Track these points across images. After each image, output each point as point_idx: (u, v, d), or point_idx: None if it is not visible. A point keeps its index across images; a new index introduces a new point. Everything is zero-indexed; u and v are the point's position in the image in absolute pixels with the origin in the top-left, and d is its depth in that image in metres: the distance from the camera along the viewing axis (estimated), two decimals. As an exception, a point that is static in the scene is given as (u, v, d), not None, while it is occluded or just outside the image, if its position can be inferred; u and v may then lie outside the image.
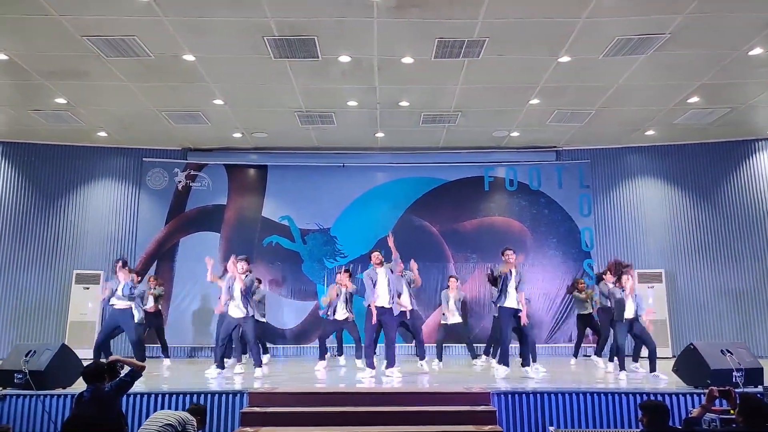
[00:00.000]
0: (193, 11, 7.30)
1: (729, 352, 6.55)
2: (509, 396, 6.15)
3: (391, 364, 7.78)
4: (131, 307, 8.76)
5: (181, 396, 6.28)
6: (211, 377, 7.76)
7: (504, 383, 7.07)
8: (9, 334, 11.52)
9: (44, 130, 11.62)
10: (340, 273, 9.72)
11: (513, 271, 7.97)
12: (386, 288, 7.90)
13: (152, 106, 10.40)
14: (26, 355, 6.68)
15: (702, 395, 6.01)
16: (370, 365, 7.85)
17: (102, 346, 8.71)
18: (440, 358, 9.56)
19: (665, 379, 7.33)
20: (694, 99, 10.15)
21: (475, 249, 12.48)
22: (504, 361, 7.79)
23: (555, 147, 12.89)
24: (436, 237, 12.74)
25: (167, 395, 6.30)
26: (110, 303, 8.59)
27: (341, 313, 9.35)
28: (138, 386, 6.89)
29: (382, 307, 7.86)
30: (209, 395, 6.26)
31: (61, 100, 10.08)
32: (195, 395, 6.27)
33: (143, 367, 4.95)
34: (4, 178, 12.15)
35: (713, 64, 8.80)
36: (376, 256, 8.12)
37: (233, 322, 8.10)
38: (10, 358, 6.93)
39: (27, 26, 7.59)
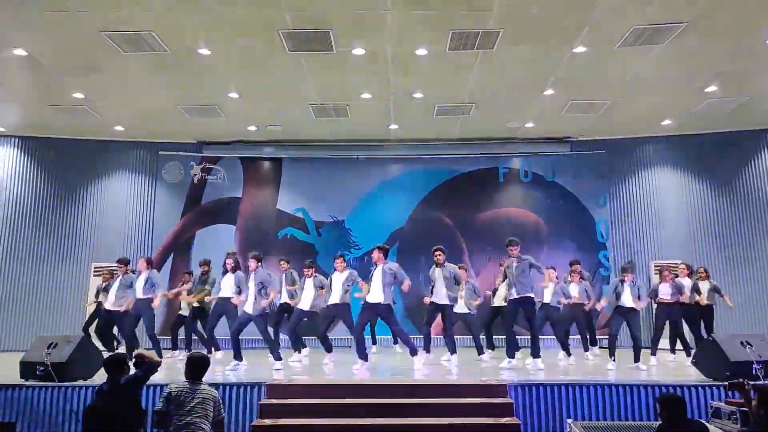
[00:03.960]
0: (209, 5, 7.33)
1: (748, 344, 6.49)
2: (526, 388, 6.15)
3: (413, 352, 7.90)
4: (152, 299, 8.89)
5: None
6: (228, 369, 7.88)
7: (521, 375, 7.07)
8: (28, 325, 11.73)
9: (62, 125, 11.76)
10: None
11: (513, 263, 8.06)
12: (379, 284, 7.92)
13: (168, 100, 10.48)
14: (48, 348, 6.78)
15: (722, 387, 5.99)
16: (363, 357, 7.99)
17: (134, 337, 8.89)
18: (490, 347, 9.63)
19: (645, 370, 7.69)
20: (712, 88, 10.04)
21: (490, 241, 12.43)
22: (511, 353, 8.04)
23: (570, 138, 12.81)
24: (450, 229, 12.74)
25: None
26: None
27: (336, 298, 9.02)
28: (156, 378, 7.00)
29: (372, 302, 7.91)
30: (228, 387, 6.32)
31: (78, 95, 10.19)
32: (213, 387, 6.32)
33: (159, 363, 4.94)
34: (23, 172, 12.33)
35: (731, 53, 8.70)
36: (375, 254, 8.12)
37: (246, 317, 8.16)
38: (33, 350, 7.03)
39: (46, 22, 7.68)
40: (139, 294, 8.78)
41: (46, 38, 8.15)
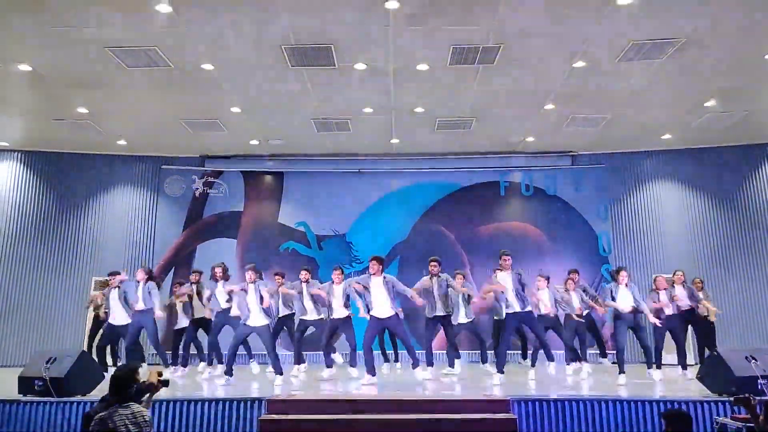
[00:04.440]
0: (212, 21, 7.39)
1: (754, 358, 6.44)
2: (529, 403, 6.10)
3: (416, 363, 7.92)
4: (152, 309, 8.82)
5: (199, 403, 6.30)
6: (220, 384, 7.85)
7: (524, 390, 7.03)
8: (28, 340, 11.68)
9: (66, 139, 11.80)
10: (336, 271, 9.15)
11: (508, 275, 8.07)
12: (384, 296, 7.90)
13: (171, 114, 10.53)
14: (47, 362, 6.74)
15: (727, 403, 5.94)
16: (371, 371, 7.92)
17: (134, 348, 8.84)
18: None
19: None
20: (711, 103, 10.07)
21: (491, 254, 12.32)
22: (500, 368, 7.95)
23: (571, 152, 12.84)
24: (452, 242, 12.72)
25: (185, 402, 6.32)
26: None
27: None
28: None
29: (381, 317, 7.91)
30: (227, 402, 6.27)
31: (82, 110, 10.23)
32: (212, 402, 6.28)
33: (155, 385, 4.46)
34: (26, 186, 12.36)
35: (729, 68, 8.74)
36: (374, 266, 8.05)
37: (248, 330, 8.12)
38: (31, 365, 6.99)
39: (51, 38, 7.72)
40: (140, 305, 8.72)
41: (51, 54, 8.20)
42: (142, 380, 4.36)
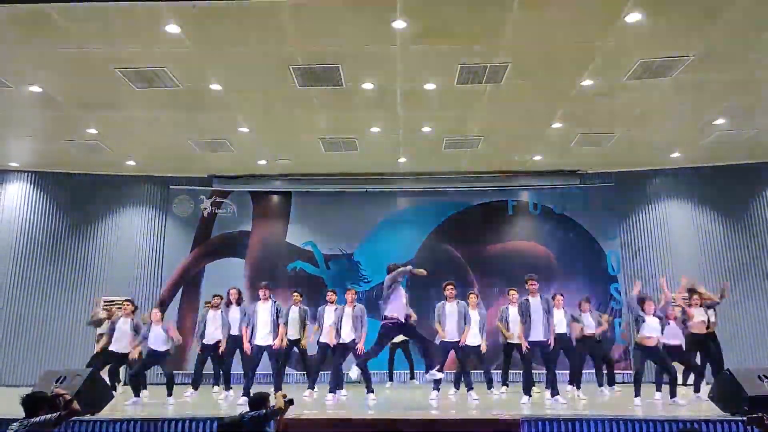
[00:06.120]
0: (221, 42, 7.48)
1: (766, 377, 6.37)
2: (539, 423, 6.02)
3: (430, 367, 7.64)
4: (169, 351, 8.70)
5: (208, 421, 6.27)
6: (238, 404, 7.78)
7: (534, 410, 6.94)
8: (38, 359, 11.65)
9: (75, 160, 11.91)
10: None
11: (530, 299, 7.98)
12: (403, 299, 7.70)
13: (180, 134, 10.61)
14: (56, 382, 6.74)
15: (740, 422, 5.84)
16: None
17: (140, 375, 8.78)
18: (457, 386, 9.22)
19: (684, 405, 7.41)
20: (720, 121, 10.04)
21: (499, 274, 12.34)
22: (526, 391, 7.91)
23: (579, 170, 12.81)
24: (459, 262, 12.67)
25: (192, 421, 6.28)
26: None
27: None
28: (163, 413, 6.94)
29: (399, 320, 7.67)
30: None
31: (92, 131, 10.34)
32: (218, 420, 6.22)
33: (73, 413, 4.60)
34: (36, 207, 12.45)
35: (738, 86, 8.73)
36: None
37: (262, 350, 8.08)
38: (41, 384, 6.98)
39: (61, 60, 7.85)
40: (159, 346, 8.55)
41: (61, 75, 8.32)
42: (272, 405, 4.89)
